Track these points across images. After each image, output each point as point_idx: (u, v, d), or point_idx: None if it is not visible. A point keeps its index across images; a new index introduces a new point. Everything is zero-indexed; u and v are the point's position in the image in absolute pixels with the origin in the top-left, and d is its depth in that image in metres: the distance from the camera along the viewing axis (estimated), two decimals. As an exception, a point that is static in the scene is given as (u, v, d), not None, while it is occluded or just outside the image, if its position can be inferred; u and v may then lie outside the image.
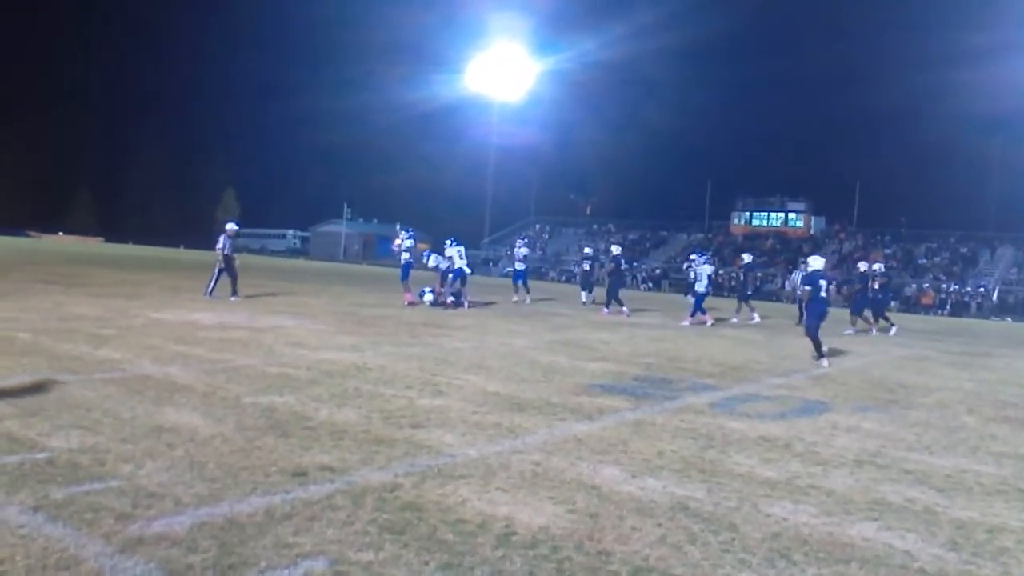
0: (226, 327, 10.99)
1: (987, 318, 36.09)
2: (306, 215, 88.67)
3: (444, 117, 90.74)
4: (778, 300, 36.67)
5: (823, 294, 11.47)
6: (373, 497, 3.98)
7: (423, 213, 72.52)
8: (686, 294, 23.15)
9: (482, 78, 60.61)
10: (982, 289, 40.56)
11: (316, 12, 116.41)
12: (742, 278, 21.03)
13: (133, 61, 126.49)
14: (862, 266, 20.09)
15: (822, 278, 11.61)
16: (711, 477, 4.80)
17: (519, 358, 9.81)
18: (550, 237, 63.21)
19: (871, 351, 14.42)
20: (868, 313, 19.14)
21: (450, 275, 17.23)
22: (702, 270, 17.62)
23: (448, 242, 17.65)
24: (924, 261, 46.47)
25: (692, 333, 15.63)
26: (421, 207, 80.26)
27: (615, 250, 20.72)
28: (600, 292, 22.35)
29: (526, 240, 24.29)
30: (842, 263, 45.20)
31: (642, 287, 45.36)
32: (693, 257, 25.17)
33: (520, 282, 21.77)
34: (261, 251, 73.21)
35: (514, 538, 3.55)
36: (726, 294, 36.63)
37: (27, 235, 70.97)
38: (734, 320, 19.73)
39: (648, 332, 15.28)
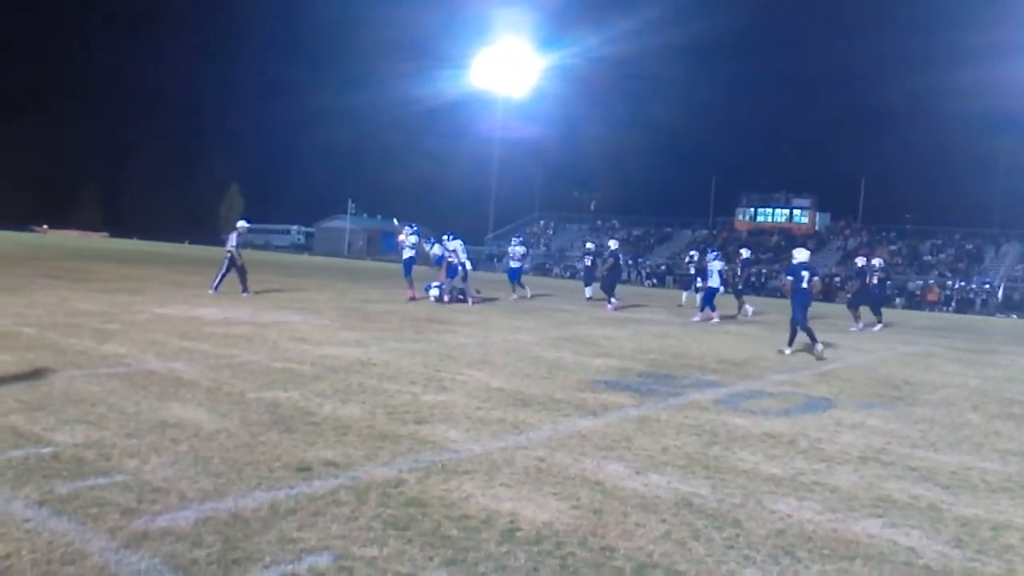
0: (230, 322, 11.01)
1: (992, 315, 35.98)
2: (310, 211, 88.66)
3: (449, 113, 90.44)
4: (783, 297, 36.58)
5: (805, 285, 11.67)
6: (377, 492, 3.98)
7: (428, 209, 72.35)
8: (696, 290, 23.15)
9: (487, 74, 60.43)
10: (987, 286, 40.42)
11: (321, 8, 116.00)
12: (739, 273, 21.07)
13: (137, 58, 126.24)
14: (859, 261, 20.09)
15: (805, 269, 11.83)
16: (715, 473, 4.80)
17: (523, 354, 9.81)
18: (554, 233, 63.13)
19: (877, 347, 14.39)
20: (860, 310, 19.02)
21: (458, 268, 17.21)
22: (713, 266, 17.64)
23: (446, 236, 17.64)
24: (929, 258, 46.32)
25: (696, 329, 15.62)
26: (426, 203, 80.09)
27: (612, 244, 20.67)
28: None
29: (521, 239, 24.34)
30: (846, 259, 45.06)
31: (646, 283, 45.30)
32: (693, 253, 25.29)
33: (515, 280, 21.79)
34: (265, 247, 73.24)
35: (518, 534, 3.55)
36: (728, 290, 36.56)
37: (32, 230, 71.11)
38: (746, 314, 19.77)
39: (652, 328, 15.27)
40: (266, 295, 16.34)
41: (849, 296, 19.35)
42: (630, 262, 47.74)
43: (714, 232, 57.48)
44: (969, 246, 46.65)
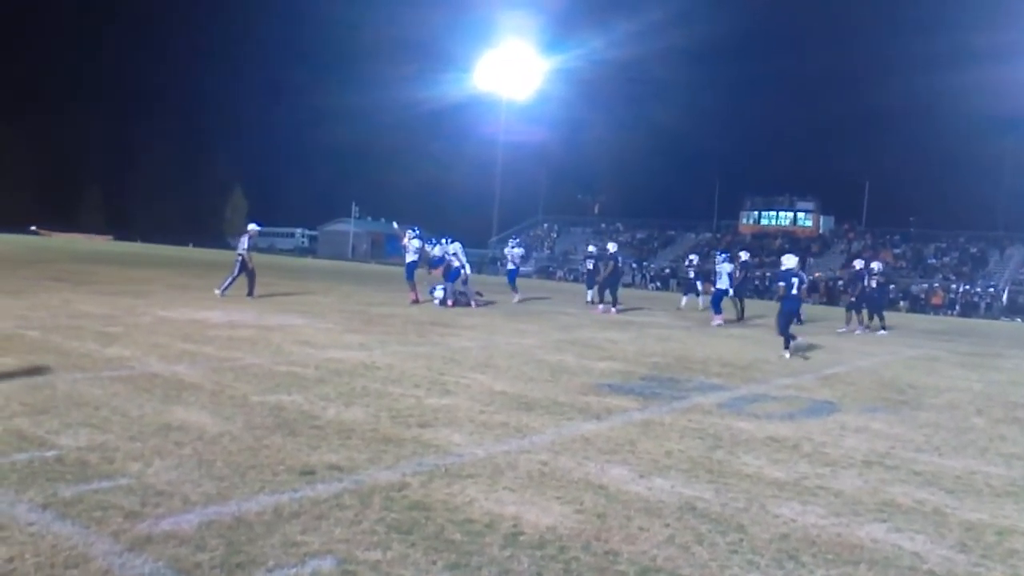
0: (234, 325, 11.02)
1: (997, 318, 35.87)
2: (314, 214, 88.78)
3: (453, 115, 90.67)
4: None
5: (794, 292, 11.80)
6: (381, 496, 3.98)
7: (431, 212, 72.49)
8: (697, 294, 23.15)
9: (491, 76, 60.49)
10: (992, 289, 40.30)
11: (325, 10, 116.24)
12: (736, 274, 21.04)
13: (140, 60, 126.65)
14: (857, 264, 19.93)
15: (794, 276, 11.97)
16: (719, 477, 4.79)
17: (527, 357, 9.80)
18: (558, 236, 63.12)
19: (880, 351, 14.36)
20: (859, 314, 18.96)
21: (460, 271, 17.20)
22: (722, 268, 17.62)
23: (444, 240, 17.64)
24: (933, 261, 46.20)
25: (700, 333, 15.60)
26: (429, 206, 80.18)
27: (611, 247, 20.69)
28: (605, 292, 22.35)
29: (519, 241, 24.34)
30: (850, 263, 44.99)
31: (650, 287, 45.26)
32: (692, 257, 25.33)
33: (511, 282, 21.79)
34: (269, 250, 73.18)
35: (521, 538, 3.55)
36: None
37: (36, 233, 71.28)
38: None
39: (656, 331, 15.25)
40: (270, 298, 16.35)
41: (852, 299, 19.26)
42: (634, 265, 47.71)
43: (718, 235, 57.40)
44: (973, 249, 46.51)
